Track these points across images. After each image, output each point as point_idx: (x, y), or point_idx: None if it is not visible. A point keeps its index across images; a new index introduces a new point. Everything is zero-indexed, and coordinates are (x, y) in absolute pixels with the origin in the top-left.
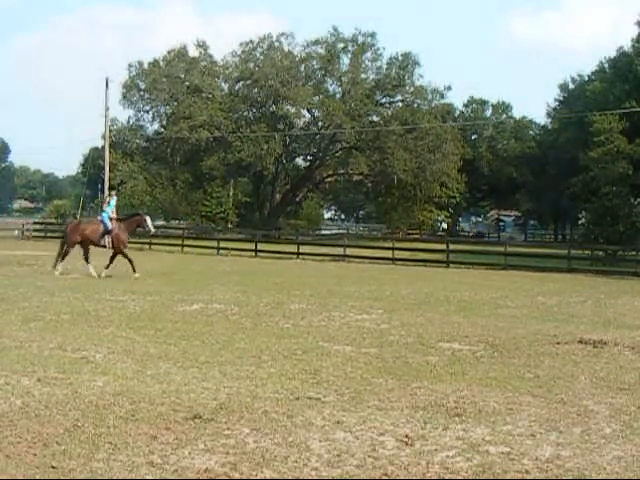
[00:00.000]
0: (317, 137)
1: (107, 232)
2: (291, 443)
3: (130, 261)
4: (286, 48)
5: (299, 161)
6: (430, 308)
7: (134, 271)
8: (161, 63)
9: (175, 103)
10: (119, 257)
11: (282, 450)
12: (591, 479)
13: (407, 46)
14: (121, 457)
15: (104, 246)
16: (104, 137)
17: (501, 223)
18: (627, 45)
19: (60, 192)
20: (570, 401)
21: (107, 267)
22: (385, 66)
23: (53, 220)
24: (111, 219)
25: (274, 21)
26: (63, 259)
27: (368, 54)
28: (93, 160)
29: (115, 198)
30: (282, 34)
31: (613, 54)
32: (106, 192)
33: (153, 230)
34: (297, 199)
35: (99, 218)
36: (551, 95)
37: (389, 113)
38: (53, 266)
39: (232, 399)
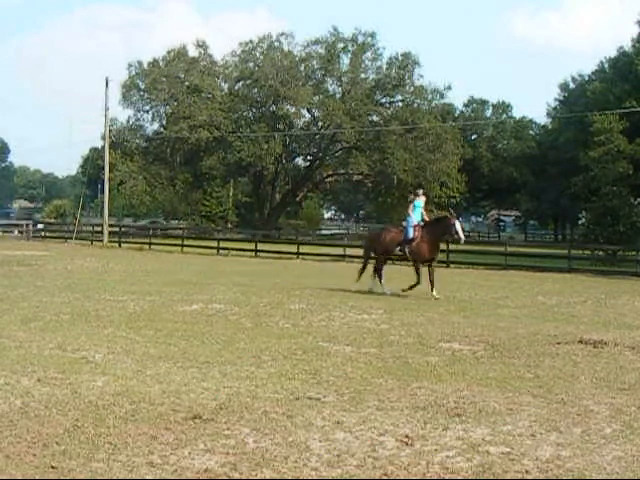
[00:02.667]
0: (317, 137)
1: (407, 241)
2: (291, 443)
3: (417, 278)
4: (286, 48)
5: (299, 161)
6: (430, 308)
7: (409, 288)
8: (161, 63)
9: (175, 103)
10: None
11: (282, 450)
12: (591, 479)
13: (407, 46)
14: (121, 457)
15: (401, 256)
16: (104, 137)
17: (501, 223)
18: (627, 45)
19: (60, 192)
20: (570, 401)
21: (432, 287)
22: (385, 66)
23: (53, 220)
24: (416, 226)
25: (274, 21)
26: (380, 276)
27: (368, 54)
28: (93, 160)
29: (423, 199)
30: (282, 34)
31: (613, 54)
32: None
33: (463, 239)
34: (297, 199)
35: (403, 224)
36: (551, 95)
37: (389, 113)
38: (357, 279)
39: (232, 399)
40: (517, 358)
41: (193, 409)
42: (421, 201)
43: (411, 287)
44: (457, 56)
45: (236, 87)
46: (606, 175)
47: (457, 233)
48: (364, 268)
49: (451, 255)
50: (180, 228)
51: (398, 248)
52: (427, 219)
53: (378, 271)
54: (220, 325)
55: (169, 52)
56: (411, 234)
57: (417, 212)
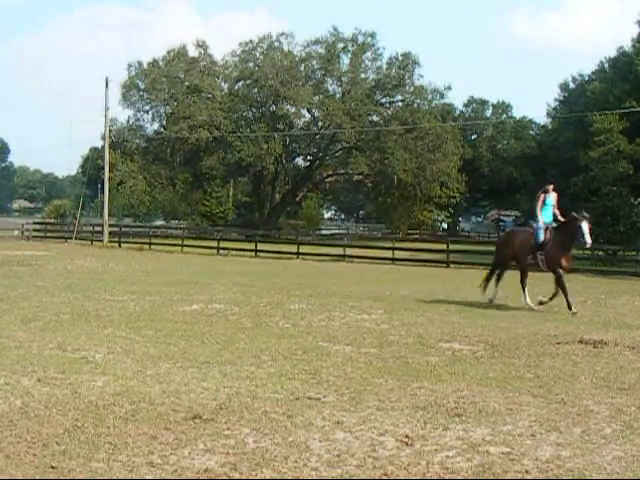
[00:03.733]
0: (317, 137)
1: (537, 246)
2: (291, 443)
3: (564, 291)
4: (286, 48)
5: (299, 161)
6: (430, 308)
7: (569, 307)
8: (161, 63)
9: (175, 103)
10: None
11: (282, 450)
12: (591, 479)
13: (407, 46)
14: (121, 457)
15: (535, 264)
16: (104, 137)
17: (501, 223)
18: (627, 45)
19: (60, 192)
20: (570, 401)
21: (550, 298)
22: (385, 66)
23: (53, 220)
24: (547, 228)
25: (274, 21)
26: (497, 282)
27: (368, 54)
28: (93, 160)
29: (553, 195)
30: (282, 34)
31: (613, 54)
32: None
33: (589, 242)
34: (297, 199)
35: (534, 225)
36: (551, 95)
37: (389, 113)
38: (482, 288)
39: (232, 399)
40: (517, 358)
41: (193, 409)
42: (552, 198)
43: (551, 298)
44: (457, 56)
45: (236, 87)
46: (606, 175)
47: (583, 236)
48: (490, 276)
49: (451, 255)
50: (180, 228)
51: (530, 256)
52: (562, 219)
53: (521, 282)
54: (220, 325)
55: (169, 52)
56: (541, 237)
57: (547, 211)
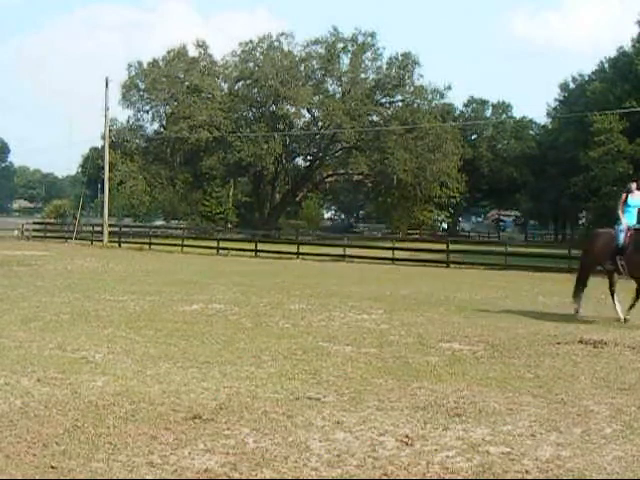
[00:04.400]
0: (317, 137)
1: (617, 250)
2: (291, 443)
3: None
4: (286, 48)
5: (299, 161)
6: (430, 308)
7: (629, 308)
8: (161, 63)
9: (175, 103)
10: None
11: (282, 450)
12: (591, 479)
13: (407, 46)
14: (121, 457)
15: (616, 271)
16: (104, 137)
17: (501, 223)
18: (627, 45)
19: (60, 192)
20: (570, 401)
21: (630, 307)
22: (385, 66)
23: (52, 220)
24: (628, 231)
25: (274, 21)
26: (578, 293)
27: (368, 54)
28: (93, 160)
29: (639, 194)
30: (282, 34)
31: (613, 54)
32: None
33: None
34: (297, 199)
35: (616, 228)
36: (551, 95)
37: (389, 113)
38: (573, 297)
39: (232, 399)
40: (517, 358)
41: (193, 409)
42: (637, 198)
43: (630, 307)
44: (457, 56)
45: (236, 87)
46: (606, 175)
47: None
48: (578, 284)
49: (451, 255)
50: (180, 228)
51: (609, 261)
52: None
53: (577, 285)
54: (220, 325)
55: (169, 52)
56: (621, 240)
57: (631, 214)
